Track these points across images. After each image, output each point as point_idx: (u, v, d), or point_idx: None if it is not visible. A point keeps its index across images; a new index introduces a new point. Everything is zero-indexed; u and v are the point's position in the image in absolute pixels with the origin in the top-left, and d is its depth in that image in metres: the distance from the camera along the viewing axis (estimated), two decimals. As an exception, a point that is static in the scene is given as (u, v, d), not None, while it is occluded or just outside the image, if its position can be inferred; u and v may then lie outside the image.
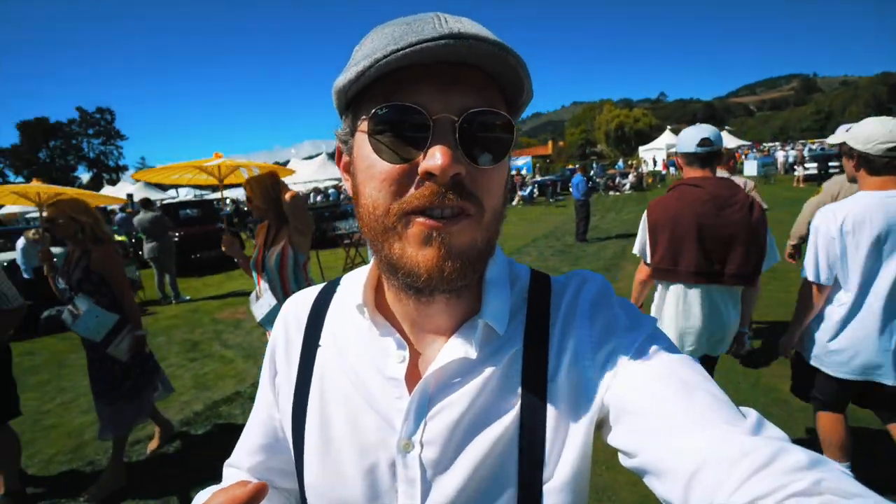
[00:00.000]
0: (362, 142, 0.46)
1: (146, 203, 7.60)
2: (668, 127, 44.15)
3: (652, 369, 0.47)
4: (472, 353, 0.50)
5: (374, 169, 0.45)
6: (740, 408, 0.44)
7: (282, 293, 2.36)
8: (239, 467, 0.65)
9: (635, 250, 2.15)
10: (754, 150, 33.23)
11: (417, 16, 0.44)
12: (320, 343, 0.58)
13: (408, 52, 0.38)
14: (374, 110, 0.43)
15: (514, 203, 19.45)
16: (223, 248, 2.66)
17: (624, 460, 0.47)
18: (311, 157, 28.34)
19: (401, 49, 0.38)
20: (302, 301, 0.64)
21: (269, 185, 2.43)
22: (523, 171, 27.45)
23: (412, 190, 0.43)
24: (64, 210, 2.56)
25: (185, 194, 21.65)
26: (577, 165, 14.84)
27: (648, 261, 2.06)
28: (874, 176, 1.72)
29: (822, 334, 1.86)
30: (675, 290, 2.02)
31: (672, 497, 0.41)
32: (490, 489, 0.49)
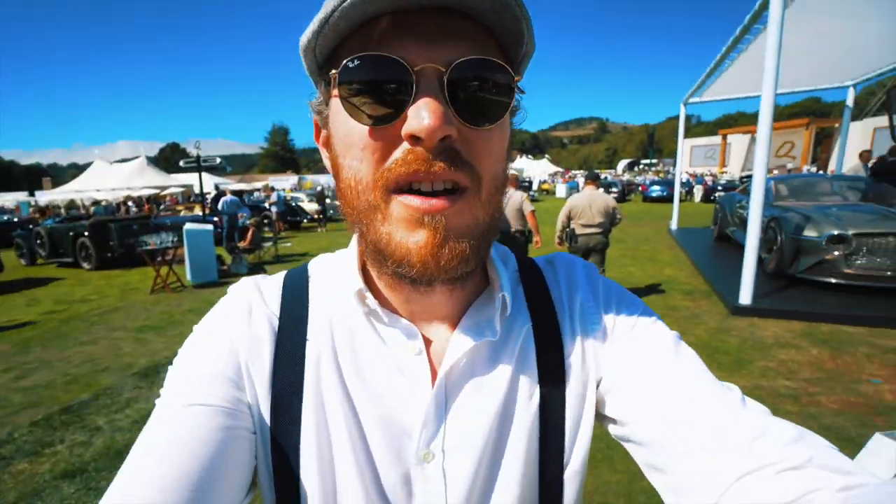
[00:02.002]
0: (338, 107, 0.39)
1: None
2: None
3: (653, 349, 0.46)
4: (494, 334, 0.45)
5: (351, 136, 0.39)
6: (724, 383, 0.43)
7: None
8: None
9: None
10: (564, 176, 41.57)
11: None
12: (308, 337, 0.46)
13: None
14: (344, 62, 0.36)
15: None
16: None
17: (613, 430, 0.47)
18: (125, 161, 24.04)
19: None
20: (265, 288, 0.50)
21: None
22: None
23: (396, 155, 0.37)
24: None
25: None
26: None
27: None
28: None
29: None
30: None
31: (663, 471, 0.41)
32: (513, 487, 0.45)
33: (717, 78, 8.67)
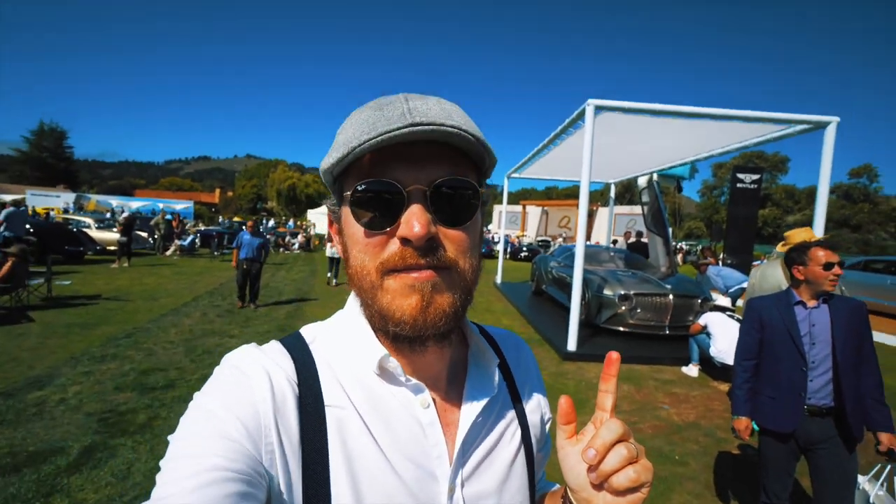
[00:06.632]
0: (348, 212, 0.51)
1: None
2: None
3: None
4: (494, 390, 0.59)
5: (357, 236, 0.51)
6: None
7: None
8: None
9: None
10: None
11: (388, 99, 0.50)
12: (327, 403, 0.52)
13: (377, 140, 0.45)
14: (355, 186, 0.49)
15: (168, 253, 16.47)
16: None
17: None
18: None
19: (372, 138, 0.45)
20: (271, 353, 0.54)
21: None
22: (184, 218, 23.89)
23: (391, 250, 0.48)
24: None
25: None
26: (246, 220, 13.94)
27: None
28: None
29: None
30: None
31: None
32: (514, 499, 0.58)
33: (534, 162, 10.67)
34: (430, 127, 0.45)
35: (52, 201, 25.59)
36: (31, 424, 3.41)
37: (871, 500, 2.05)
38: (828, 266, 2.09)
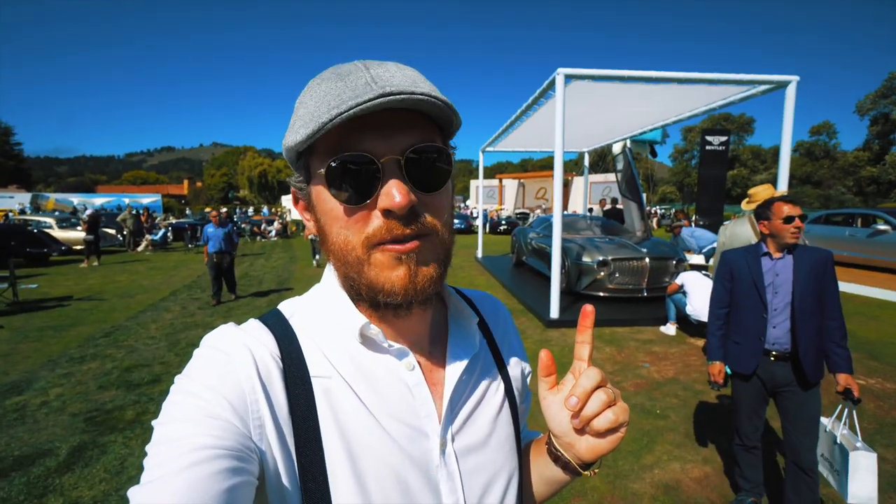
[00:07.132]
0: (321, 189, 0.50)
1: None
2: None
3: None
4: (475, 347, 0.61)
5: (336, 212, 0.50)
6: None
7: None
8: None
9: None
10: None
11: (345, 67, 0.49)
12: (313, 374, 0.52)
13: (350, 114, 0.43)
14: (328, 163, 0.47)
15: (139, 249, 15.95)
16: None
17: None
18: None
19: (343, 112, 0.43)
20: (251, 330, 0.54)
21: None
22: (154, 212, 23.03)
23: (375, 224, 0.48)
24: None
25: None
26: (212, 211, 13.45)
27: None
28: None
29: None
30: None
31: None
32: (504, 443, 0.61)
33: (507, 135, 10.63)
34: (401, 96, 0.44)
35: (6, 202, 24.24)
36: (14, 430, 3.34)
37: (837, 440, 2.20)
38: (788, 219, 2.20)
